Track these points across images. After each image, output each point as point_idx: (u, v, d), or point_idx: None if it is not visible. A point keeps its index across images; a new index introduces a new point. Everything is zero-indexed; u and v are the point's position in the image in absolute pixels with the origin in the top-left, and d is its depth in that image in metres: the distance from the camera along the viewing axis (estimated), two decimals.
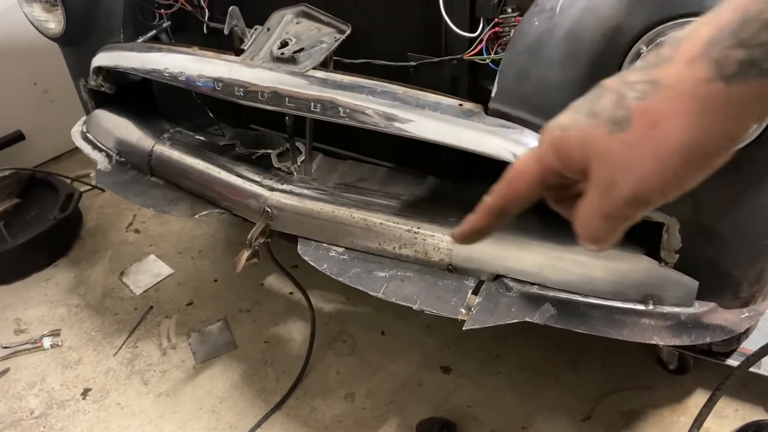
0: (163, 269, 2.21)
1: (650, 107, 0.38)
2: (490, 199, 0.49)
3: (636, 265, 1.09)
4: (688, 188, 0.40)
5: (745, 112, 0.37)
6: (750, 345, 1.40)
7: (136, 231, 2.42)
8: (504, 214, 0.49)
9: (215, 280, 2.15)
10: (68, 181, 2.55)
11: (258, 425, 1.65)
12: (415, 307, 1.19)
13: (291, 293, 2.05)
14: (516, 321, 1.13)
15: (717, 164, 0.39)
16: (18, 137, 2.70)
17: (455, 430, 1.58)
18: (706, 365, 1.62)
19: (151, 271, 2.21)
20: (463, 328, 1.13)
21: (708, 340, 1.07)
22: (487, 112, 1.10)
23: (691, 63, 0.37)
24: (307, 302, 1.93)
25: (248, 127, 1.83)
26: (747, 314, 1.11)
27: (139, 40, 1.62)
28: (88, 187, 2.61)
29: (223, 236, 2.36)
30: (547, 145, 0.44)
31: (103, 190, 2.55)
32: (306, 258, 1.33)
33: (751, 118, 0.38)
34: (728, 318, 1.10)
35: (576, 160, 0.42)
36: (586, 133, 0.41)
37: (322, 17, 1.37)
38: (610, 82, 0.41)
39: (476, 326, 1.13)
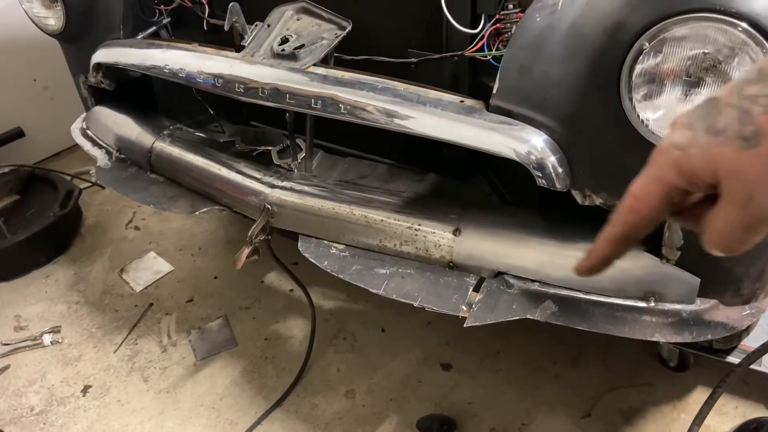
0: (163, 266, 2.21)
1: None
2: (613, 228, 0.49)
3: (637, 262, 1.08)
4: None
5: None
6: (751, 342, 1.40)
7: (136, 228, 2.42)
8: (630, 240, 0.49)
9: (215, 278, 2.15)
10: (68, 178, 2.55)
11: (258, 422, 1.65)
12: (416, 304, 1.19)
13: (291, 290, 2.05)
14: (517, 318, 1.13)
15: None
16: (18, 134, 2.69)
17: (455, 427, 1.58)
18: (706, 362, 1.62)
19: (151, 268, 2.20)
20: (464, 326, 1.13)
21: (709, 337, 1.07)
22: (489, 108, 1.10)
23: None
24: (307, 299, 1.93)
25: (248, 124, 1.83)
26: (748, 311, 1.11)
27: (139, 37, 1.62)
28: (88, 184, 2.60)
29: (223, 233, 2.36)
30: (667, 166, 0.44)
31: (103, 187, 2.54)
32: (306, 255, 1.33)
33: None
34: (730, 315, 1.09)
35: (703, 177, 0.43)
36: (713, 151, 0.41)
37: (323, 13, 1.37)
38: (726, 97, 0.42)
39: (477, 323, 1.13)
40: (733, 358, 1.49)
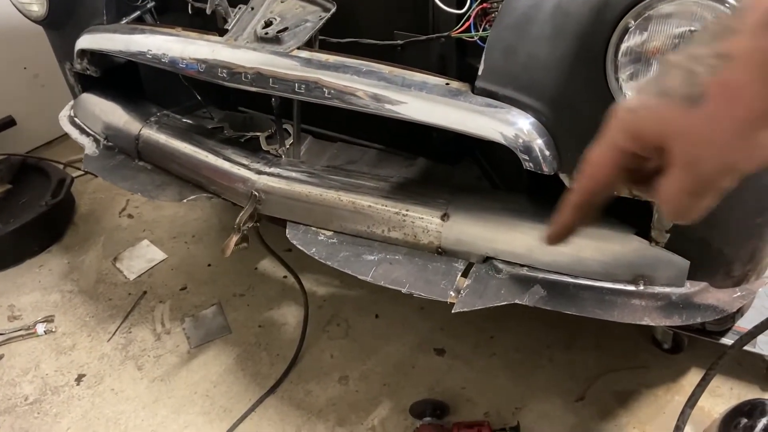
0: (157, 254, 2.20)
1: (725, 80, 0.39)
2: (574, 196, 0.50)
3: (626, 246, 1.07)
4: None
5: None
6: (745, 323, 1.39)
7: (130, 216, 2.41)
8: (590, 206, 0.49)
9: (209, 265, 2.14)
10: (60, 166, 2.53)
11: (252, 409, 1.65)
12: (404, 290, 1.18)
13: (285, 277, 2.04)
14: (506, 303, 1.11)
15: None
16: (9, 123, 2.67)
17: (449, 412, 1.58)
18: (700, 344, 1.61)
19: (144, 257, 2.20)
20: (452, 311, 1.12)
21: (699, 320, 1.06)
22: (474, 91, 1.08)
23: (759, 33, 0.38)
24: (299, 286, 1.92)
25: (236, 110, 1.80)
26: (739, 293, 1.09)
27: (123, 22, 1.59)
28: (81, 173, 2.58)
29: (217, 221, 2.35)
30: (617, 129, 0.44)
31: (95, 175, 2.52)
32: (294, 242, 1.32)
33: None
34: (720, 297, 1.08)
35: (651, 139, 0.43)
36: (659, 112, 0.42)
37: None
38: (675, 59, 0.42)
39: (465, 309, 1.12)
40: (727, 340, 1.48)
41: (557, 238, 0.53)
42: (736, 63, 0.39)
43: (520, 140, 1.02)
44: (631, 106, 0.44)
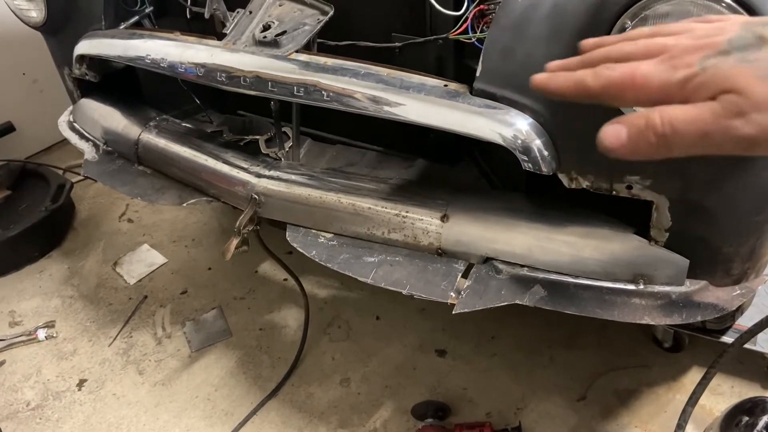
0: (157, 258, 2.20)
1: None
2: (592, 81, 0.49)
3: (625, 245, 1.07)
4: None
5: None
6: (746, 321, 1.39)
7: (129, 220, 2.41)
8: (591, 99, 0.49)
9: (209, 269, 2.14)
10: (60, 171, 2.54)
11: (254, 412, 1.65)
12: (404, 292, 1.18)
13: (285, 280, 2.04)
14: (506, 304, 1.11)
15: None
16: (8, 128, 2.67)
17: (450, 413, 1.58)
18: (701, 343, 1.61)
19: (144, 261, 2.20)
20: (453, 312, 1.12)
21: (699, 318, 1.06)
22: (473, 92, 1.08)
23: None
24: (300, 289, 1.92)
25: (236, 113, 1.81)
26: (739, 292, 1.09)
27: (121, 27, 1.59)
28: (81, 178, 2.59)
29: (217, 224, 2.35)
30: (679, 71, 0.45)
31: (95, 180, 2.52)
32: (294, 245, 1.32)
33: None
34: (720, 296, 1.08)
35: (701, 92, 0.44)
36: (727, 69, 0.43)
37: None
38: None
39: (466, 310, 1.12)
40: (728, 338, 1.48)
41: (544, 89, 0.53)
42: None
43: (519, 141, 1.02)
44: (707, 63, 0.44)
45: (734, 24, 0.47)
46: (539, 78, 0.53)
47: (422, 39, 1.28)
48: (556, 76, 0.52)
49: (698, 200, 1.00)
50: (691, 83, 0.44)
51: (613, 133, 0.46)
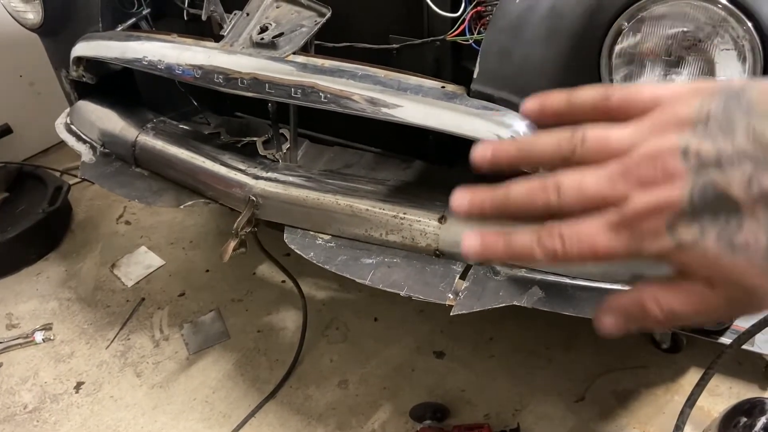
0: (155, 260, 2.20)
1: None
2: (528, 240, 0.39)
3: None
4: None
5: None
6: (743, 322, 1.39)
7: (127, 222, 2.41)
8: (533, 261, 0.41)
9: (207, 271, 2.14)
10: (57, 173, 2.53)
11: (252, 414, 1.65)
12: (402, 293, 1.18)
13: (283, 281, 2.04)
14: (504, 305, 1.11)
15: None
16: (5, 131, 2.66)
17: (448, 415, 1.58)
18: (699, 344, 1.61)
19: (142, 263, 2.19)
20: (451, 314, 1.12)
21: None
22: (470, 93, 1.08)
23: None
24: (298, 291, 1.92)
25: (233, 115, 1.80)
26: None
27: (119, 29, 1.59)
28: (78, 180, 2.58)
29: (215, 226, 2.34)
30: (651, 244, 0.37)
31: (92, 183, 2.52)
32: (292, 246, 1.32)
33: None
34: None
35: (687, 269, 0.36)
36: (726, 265, 0.35)
37: (302, 0, 1.35)
38: (740, 198, 0.34)
39: (464, 311, 1.12)
40: (726, 339, 1.48)
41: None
42: None
43: None
44: (684, 238, 0.35)
45: (674, 160, 0.36)
46: (470, 247, 0.42)
47: (420, 41, 1.28)
48: (491, 241, 0.41)
49: None
50: (669, 259, 0.37)
51: (609, 324, 0.41)
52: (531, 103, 0.44)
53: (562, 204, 0.39)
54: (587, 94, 0.42)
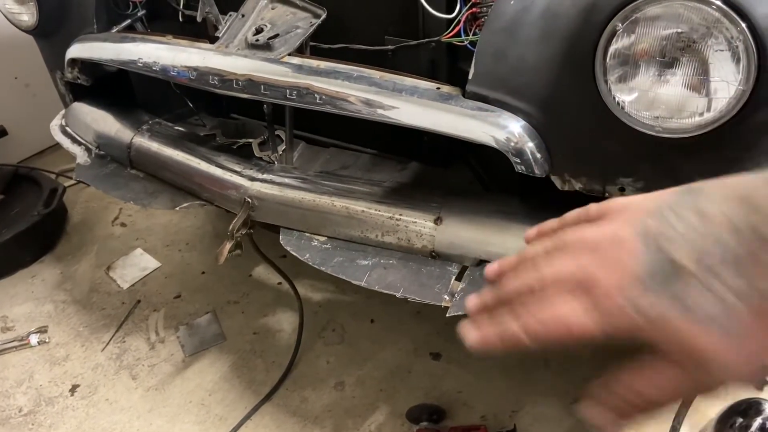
0: (150, 263, 2.19)
1: (763, 309, 0.37)
2: (517, 328, 0.44)
3: None
4: None
5: None
6: None
7: (123, 225, 2.40)
8: (524, 347, 0.45)
9: (203, 273, 2.13)
10: (53, 176, 2.52)
11: (248, 417, 1.64)
12: (398, 295, 1.18)
13: (279, 283, 2.03)
14: None
15: None
16: (0, 133, 2.66)
17: (445, 416, 1.58)
18: None
19: (138, 265, 2.19)
20: (447, 315, 1.12)
21: None
22: (465, 95, 1.08)
23: None
24: (294, 292, 1.91)
25: (229, 117, 1.80)
26: None
27: (114, 30, 1.59)
28: (73, 182, 2.57)
29: (211, 228, 2.34)
30: (616, 318, 0.41)
31: (87, 185, 2.52)
32: (288, 248, 1.32)
33: None
34: None
35: (651, 341, 0.40)
36: (681, 328, 0.38)
37: (297, 2, 1.34)
38: (690, 267, 0.38)
39: (460, 312, 1.12)
40: None
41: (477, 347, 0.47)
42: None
43: (512, 143, 1.02)
44: (639, 303, 0.39)
45: (632, 238, 0.41)
46: (471, 339, 0.47)
47: (415, 42, 1.28)
48: (484, 330, 0.47)
49: None
50: (632, 328, 0.40)
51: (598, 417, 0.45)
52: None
53: (544, 288, 0.45)
54: (572, 215, 0.49)
